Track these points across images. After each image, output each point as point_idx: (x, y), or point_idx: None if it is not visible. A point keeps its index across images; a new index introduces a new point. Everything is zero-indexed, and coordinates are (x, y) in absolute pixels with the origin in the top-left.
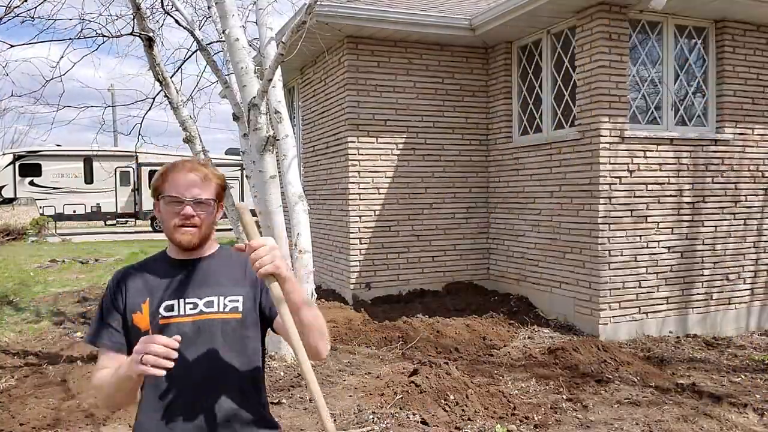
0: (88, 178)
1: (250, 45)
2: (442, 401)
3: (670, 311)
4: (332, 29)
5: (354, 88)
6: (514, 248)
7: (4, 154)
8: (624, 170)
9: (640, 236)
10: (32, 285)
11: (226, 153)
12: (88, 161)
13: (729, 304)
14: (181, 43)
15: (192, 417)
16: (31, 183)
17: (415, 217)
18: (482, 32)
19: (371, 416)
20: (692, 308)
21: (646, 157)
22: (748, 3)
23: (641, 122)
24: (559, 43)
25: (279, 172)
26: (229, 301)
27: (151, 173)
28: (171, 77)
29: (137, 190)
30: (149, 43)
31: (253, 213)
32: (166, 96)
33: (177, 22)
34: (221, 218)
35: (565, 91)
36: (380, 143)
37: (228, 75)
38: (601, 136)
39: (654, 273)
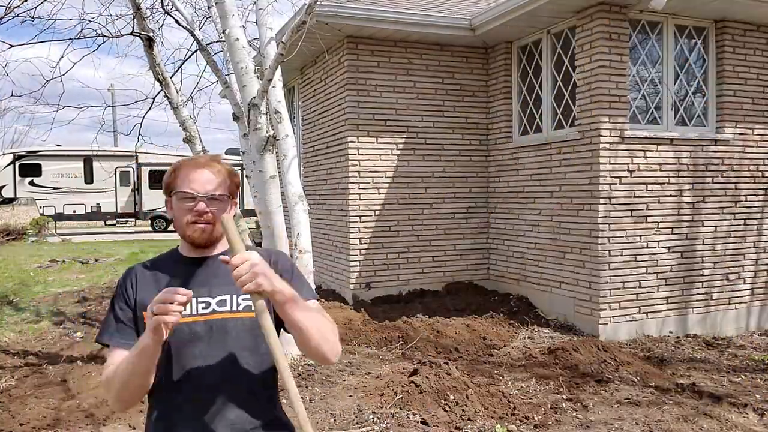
0: (88, 178)
1: (250, 45)
2: (442, 401)
3: (670, 311)
4: (332, 29)
5: (354, 88)
6: (514, 248)
7: (4, 154)
8: (624, 170)
9: (640, 236)
10: (32, 285)
11: (226, 153)
12: (88, 161)
13: (729, 304)
14: (181, 43)
15: (203, 418)
16: (31, 183)
17: (415, 217)
18: (482, 32)
19: (371, 416)
20: (692, 308)
21: (646, 157)
22: (748, 3)
23: (641, 122)
24: (559, 43)
25: (279, 172)
26: (242, 299)
27: (151, 173)
28: (171, 77)
29: (137, 190)
30: (149, 43)
31: (253, 213)
32: (166, 96)
33: (177, 22)
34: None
35: (565, 91)
36: (380, 143)
37: (228, 75)
38: (601, 136)
39: (654, 273)
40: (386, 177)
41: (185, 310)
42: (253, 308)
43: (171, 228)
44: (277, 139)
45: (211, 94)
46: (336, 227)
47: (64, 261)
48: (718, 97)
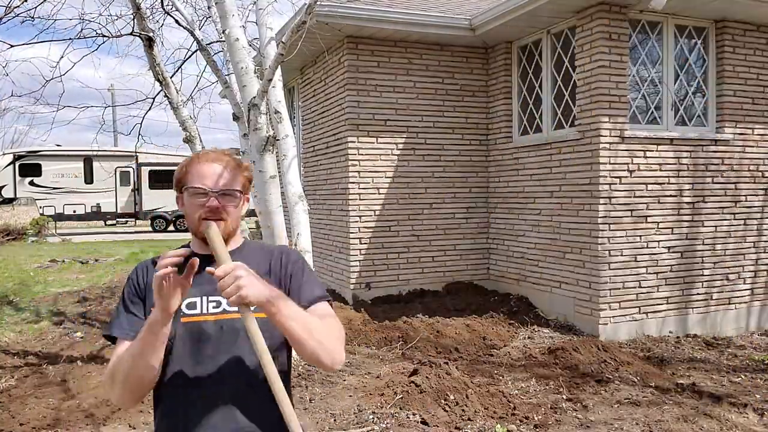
0: (88, 178)
1: (250, 45)
2: (442, 401)
3: (670, 311)
4: (332, 29)
5: (354, 88)
6: (514, 248)
7: (4, 154)
8: (624, 170)
9: (640, 236)
10: (32, 285)
11: None
12: (88, 161)
13: (729, 304)
14: (181, 43)
15: (213, 418)
16: (31, 183)
17: (415, 217)
18: (482, 32)
19: (371, 416)
20: (692, 308)
21: (646, 157)
22: (748, 3)
23: (641, 122)
24: (559, 43)
25: (279, 172)
26: None
27: (151, 173)
28: (171, 77)
29: (137, 190)
30: (149, 43)
31: (253, 213)
32: (166, 96)
33: (177, 22)
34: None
35: (565, 91)
36: (380, 143)
37: (228, 75)
38: (601, 136)
39: (654, 273)
40: (386, 177)
41: (196, 309)
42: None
43: (171, 228)
44: (277, 139)
45: (211, 94)
46: (336, 227)
47: (64, 261)
48: (718, 97)
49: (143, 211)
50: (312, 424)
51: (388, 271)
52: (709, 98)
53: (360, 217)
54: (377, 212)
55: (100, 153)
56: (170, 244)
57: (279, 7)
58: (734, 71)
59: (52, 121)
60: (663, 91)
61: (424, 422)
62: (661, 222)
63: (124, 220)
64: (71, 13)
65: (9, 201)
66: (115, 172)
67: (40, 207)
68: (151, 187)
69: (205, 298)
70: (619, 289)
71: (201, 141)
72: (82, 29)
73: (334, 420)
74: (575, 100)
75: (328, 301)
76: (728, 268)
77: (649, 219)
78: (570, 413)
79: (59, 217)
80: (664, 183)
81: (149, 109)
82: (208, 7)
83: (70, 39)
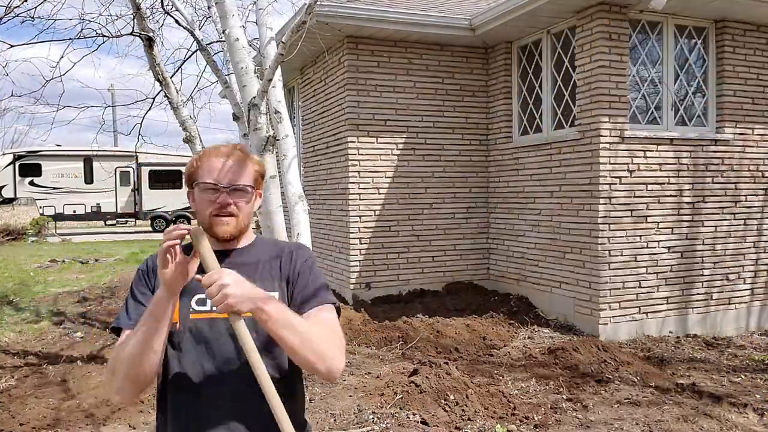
0: (88, 178)
1: (250, 45)
2: (442, 401)
3: (670, 311)
4: (332, 29)
5: (354, 88)
6: (514, 248)
7: (4, 154)
8: (624, 170)
9: (640, 236)
10: (32, 285)
11: None
12: (88, 161)
13: (729, 304)
14: (181, 43)
15: (220, 417)
16: (31, 183)
17: (415, 217)
18: (482, 32)
19: (371, 416)
20: (692, 308)
21: (646, 157)
22: (748, 3)
23: (641, 122)
24: (559, 43)
25: (279, 172)
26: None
27: (151, 173)
28: (171, 77)
29: (137, 190)
30: (149, 43)
31: (253, 213)
32: (166, 96)
33: (177, 22)
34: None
35: (565, 91)
36: (380, 143)
37: (228, 75)
38: (601, 136)
39: (654, 273)
40: (386, 177)
41: (206, 306)
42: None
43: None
44: (277, 139)
45: (211, 94)
46: (336, 227)
47: (64, 261)
48: (718, 97)
49: (143, 211)
50: (312, 423)
51: (388, 271)
52: (709, 98)
53: (360, 217)
54: (377, 212)
55: (100, 153)
56: None
57: (279, 7)
58: (734, 71)
59: (52, 121)
60: (663, 91)
61: (424, 422)
62: (661, 222)
63: (124, 220)
64: (71, 13)
65: (9, 201)
66: (115, 172)
67: (40, 207)
68: (151, 187)
69: None
70: (619, 289)
71: (201, 141)
72: (82, 29)
73: (334, 420)
74: (575, 100)
75: (335, 304)
76: (728, 268)
77: (649, 219)
78: (570, 413)
79: (59, 217)
80: (664, 183)
81: (149, 109)
82: (208, 7)
83: (70, 39)
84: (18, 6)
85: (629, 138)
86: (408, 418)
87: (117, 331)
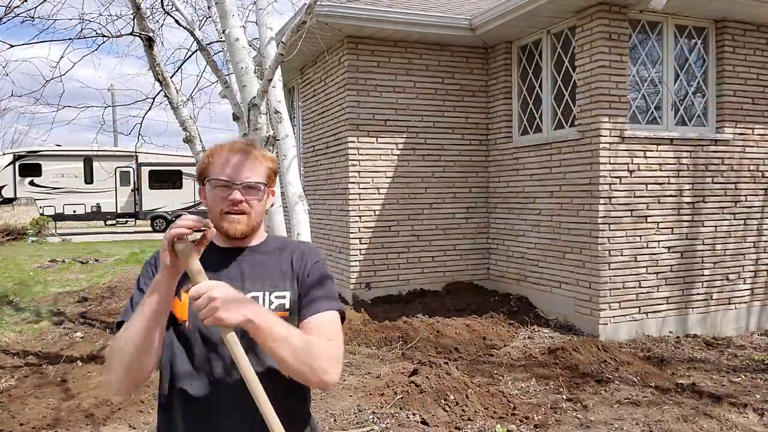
0: (88, 178)
1: (250, 45)
2: (442, 401)
3: (670, 311)
4: (332, 29)
5: (354, 88)
6: (514, 248)
7: (4, 154)
8: (624, 170)
9: (640, 236)
10: (32, 285)
11: None
12: (88, 161)
13: (729, 304)
14: (181, 43)
15: (229, 423)
16: (31, 183)
17: (415, 217)
18: (482, 32)
19: (371, 416)
20: (692, 308)
21: (646, 157)
22: (748, 3)
23: (641, 122)
24: (559, 43)
25: (279, 172)
26: (276, 297)
27: (151, 173)
28: (171, 77)
29: (137, 190)
30: (149, 43)
31: None
32: (166, 96)
33: (177, 22)
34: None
35: (565, 91)
36: (380, 143)
37: (228, 75)
38: (601, 136)
39: (654, 273)
40: (386, 177)
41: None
42: (287, 306)
43: None
44: (277, 139)
45: (211, 94)
46: (336, 227)
47: (64, 261)
48: (718, 97)
49: (143, 211)
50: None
51: (388, 271)
52: (709, 98)
53: (360, 217)
54: (377, 212)
55: (100, 153)
56: None
57: (279, 7)
58: (734, 71)
59: (52, 121)
60: (663, 91)
61: (424, 422)
62: (661, 222)
63: (124, 220)
64: (71, 13)
65: (9, 201)
66: (115, 172)
67: (40, 207)
68: (151, 187)
69: None
70: (619, 289)
71: (201, 141)
72: (82, 29)
73: (334, 420)
74: (575, 100)
75: (340, 310)
76: (728, 268)
77: (649, 219)
78: (570, 413)
79: (59, 217)
80: (664, 183)
81: (149, 109)
82: (208, 7)
83: (70, 39)
84: (18, 6)
85: (629, 138)
86: (408, 418)
87: (120, 324)
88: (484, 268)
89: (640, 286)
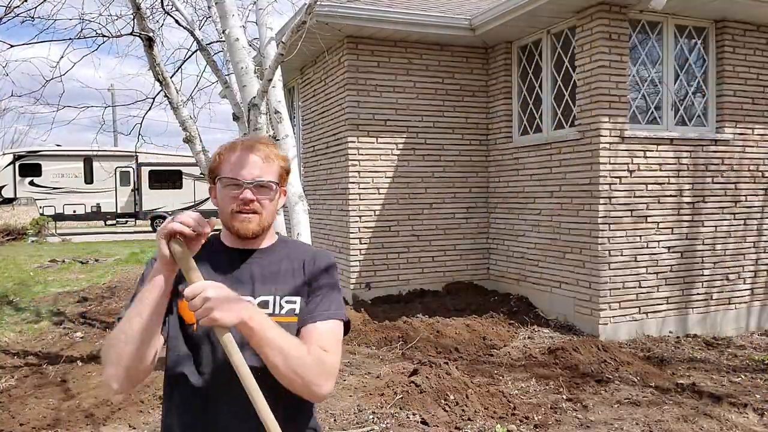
0: (88, 178)
1: (250, 45)
2: (442, 401)
3: (670, 311)
4: (332, 29)
5: (354, 88)
6: (514, 248)
7: (4, 154)
8: (624, 170)
9: (640, 236)
10: (32, 285)
11: None
12: (88, 161)
13: (729, 304)
14: (181, 43)
15: (235, 425)
16: (31, 183)
17: (415, 217)
18: (482, 32)
19: (371, 416)
20: (692, 308)
21: (646, 157)
22: (748, 3)
23: (641, 122)
24: (559, 43)
25: None
26: (286, 302)
27: (151, 173)
28: (171, 77)
29: (137, 190)
30: (149, 43)
31: None
32: (166, 96)
33: (177, 22)
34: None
35: (565, 91)
36: (380, 143)
37: (228, 75)
38: (601, 136)
39: (654, 273)
40: (386, 177)
41: None
42: (296, 312)
43: None
44: (277, 139)
45: (211, 94)
46: (336, 227)
47: (64, 261)
48: (718, 97)
49: (143, 211)
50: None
51: (388, 271)
52: (709, 98)
53: (360, 217)
54: (377, 212)
55: (100, 153)
56: None
57: (279, 7)
58: (734, 71)
59: (52, 121)
60: (663, 91)
61: (424, 422)
62: (661, 222)
63: (124, 220)
64: (71, 13)
65: (9, 201)
66: (115, 172)
67: (40, 207)
68: (151, 187)
69: None
70: (619, 289)
71: (201, 141)
72: (82, 29)
73: (334, 420)
74: (575, 100)
75: (343, 320)
76: (728, 268)
77: (649, 219)
78: (570, 413)
79: (59, 217)
80: (664, 183)
81: (149, 109)
82: (208, 7)
83: (70, 39)
84: (18, 6)
85: (629, 138)
86: (408, 418)
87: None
88: (484, 268)
89: (640, 286)
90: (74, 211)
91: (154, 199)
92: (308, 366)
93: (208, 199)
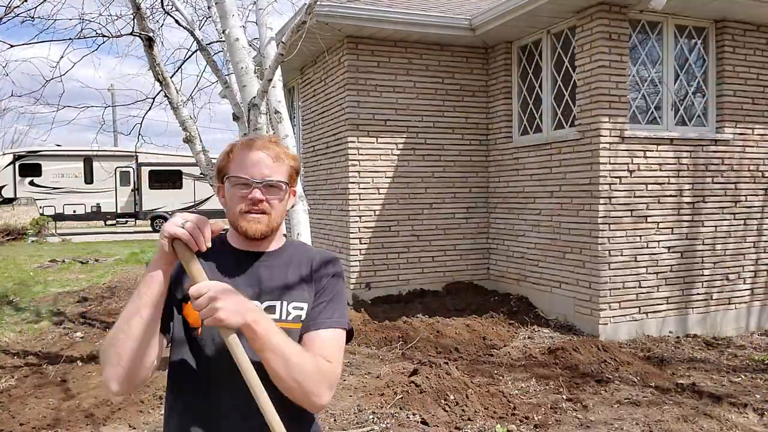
0: (88, 178)
1: (250, 45)
2: (442, 401)
3: (670, 311)
4: (332, 29)
5: (354, 88)
6: (514, 248)
7: (4, 154)
8: (624, 170)
9: (640, 236)
10: (32, 285)
11: None
12: (88, 161)
13: (729, 304)
14: (181, 43)
15: (235, 426)
16: (31, 183)
17: (415, 217)
18: (482, 32)
19: (371, 416)
20: (692, 308)
21: (646, 157)
22: (748, 3)
23: (641, 122)
24: (559, 43)
25: None
26: (293, 308)
27: (151, 173)
28: (171, 77)
29: (137, 190)
30: (149, 43)
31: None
32: (166, 96)
33: (177, 22)
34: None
35: (565, 91)
36: (380, 143)
37: (228, 75)
38: (601, 136)
39: (654, 273)
40: (386, 177)
41: None
42: (303, 318)
43: None
44: None
45: (211, 94)
46: (336, 227)
47: (64, 261)
48: (718, 97)
49: (143, 211)
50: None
51: (388, 271)
52: (709, 98)
53: (360, 217)
54: (377, 212)
55: (100, 153)
56: None
57: (279, 7)
58: (734, 71)
59: (52, 121)
60: (663, 91)
61: (424, 422)
62: (661, 222)
63: (124, 220)
64: (71, 13)
65: (9, 201)
66: (115, 172)
67: (40, 207)
68: (151, 187)
69: None
70: (619, 289)
71: (201, 141)
72: (82, 29)
73: (334, 420)
74: (575, 100)
75: (347, 329)
76: (728, 268)
77: (649, 219)
78: (570, 413)
79: (59, 217)
80: (664, 183)
81: (149, 109)
82: (208, 7)
83: (70, 39)
84: (18, 6)
85: (629, 138)
86: (408, 418)
87: None
88: (484, 268)
89: (640, 286)
90: (74, 211)
91: (154, 199)
92: (309, 375)
93: (208, 199)
